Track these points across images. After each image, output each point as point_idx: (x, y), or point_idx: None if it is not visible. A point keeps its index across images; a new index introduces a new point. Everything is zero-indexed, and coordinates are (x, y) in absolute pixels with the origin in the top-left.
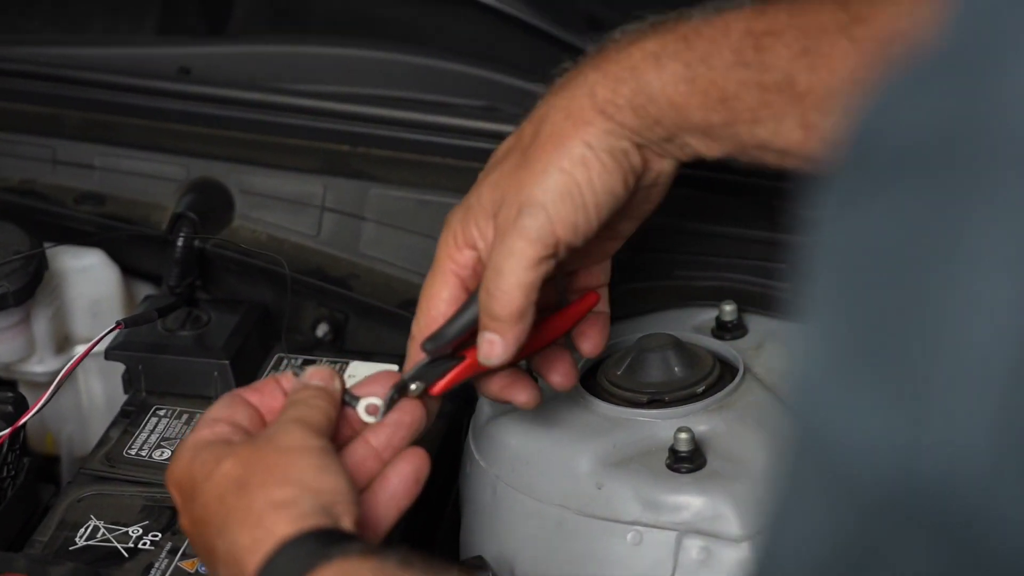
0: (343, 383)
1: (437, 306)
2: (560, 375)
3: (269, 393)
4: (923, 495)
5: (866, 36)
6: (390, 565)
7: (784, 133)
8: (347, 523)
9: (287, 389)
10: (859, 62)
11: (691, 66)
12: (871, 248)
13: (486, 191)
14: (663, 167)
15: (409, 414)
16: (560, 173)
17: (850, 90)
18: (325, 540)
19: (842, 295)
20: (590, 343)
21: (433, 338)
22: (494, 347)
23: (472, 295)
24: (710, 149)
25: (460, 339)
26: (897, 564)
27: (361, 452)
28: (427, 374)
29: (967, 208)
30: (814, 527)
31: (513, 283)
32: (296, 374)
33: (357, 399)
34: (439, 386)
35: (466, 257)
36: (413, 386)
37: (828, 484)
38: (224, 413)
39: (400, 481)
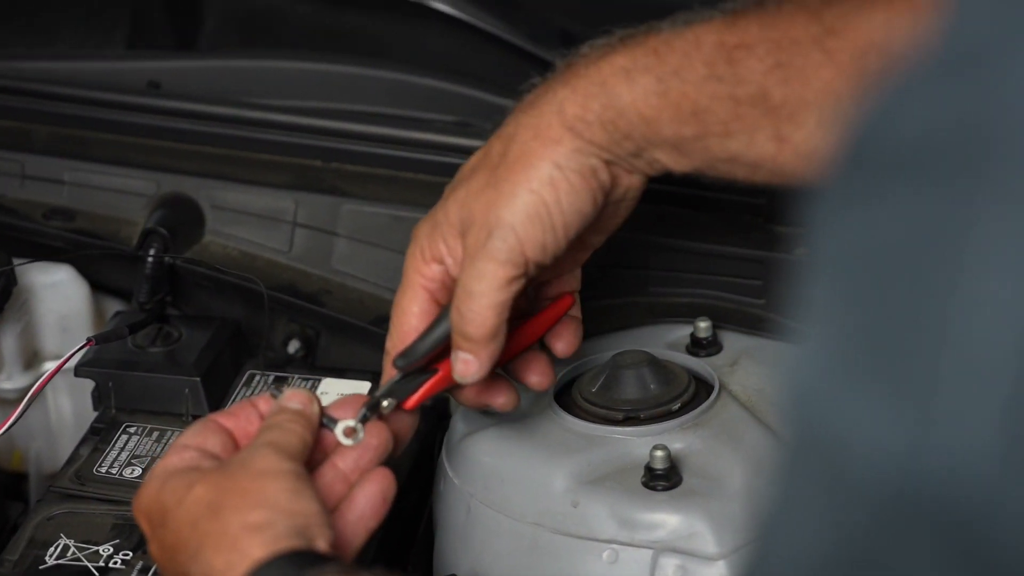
0: (321, 406)
1: (409, 320)
2: (537, 375)
3: (244, 417)
4: (928, 496)
5: (840, 48)
6: None
7: (757, 146)
8: (322, 545)
9: (264, 412)
10: (833, 74)
11: (663, 79)
12: (874, 250)
13: (453, 208)
14: (632, 182)
15: (376, 436)
16: (529, 194)
17: (826, 102)
18: (300, 561)
19: (844, 296)
20: (563, 343)
21: (405, 354)
22: (469, 366)
23: (443, 310)
24: (679, 163)
25: (432, 353)
26: (902, 564)
27: (329, 475)
28: (399, 390)
29: (970, 208)
30: (815, 530)
31: (485, 304)
32: (274, 396)
33: (335, 422)
34: (412, 400)
35: (434, 271)
36: (385, 403)
37: (830, 485)
38: (195, 440)
39: (367, 502)
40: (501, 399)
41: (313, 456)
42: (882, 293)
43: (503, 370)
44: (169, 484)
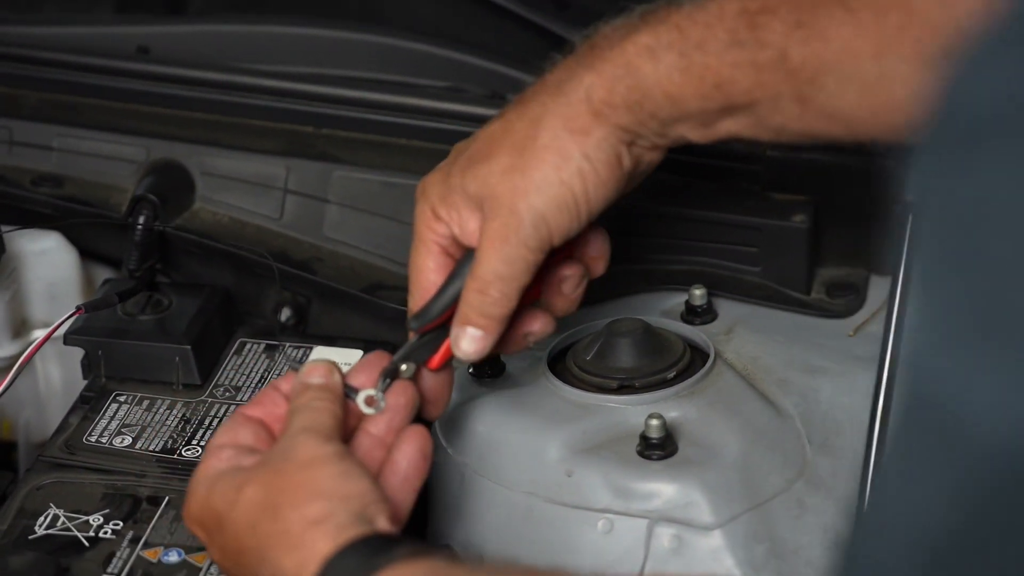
0: (342, 375)
1: (428, 277)
2: (539, 323)
3: (270, 402)
4: None
5: (864, 5)
6: (440, 566)
7: (781, 110)
8: (382, 523)
9: (287, 392)
10: (854, 33)
11: (686, 54)
12: (981, 212)
13: (471, 181)
14: (652, 157)
15: (403, 395)
16: (560, 186)
17: (847, 61)
18: (370, 550)
19: (953, 262)
20: (563, 301)
21: (418, 316)
22: (479, 342)
23: (455, 267)
24: (704, 136)
25: (448, 312)
26: None
27: (366, 444)
28: (419, 353)
29: None
30: (934, 497)
31: (514, 287)
32: (295, 369)
33: (356, 391)
34: (435, 360)
35: (444, 229)
36: (404, 367)
37: (949, 453)
38: (227, 438)
39: (408, 463)
40: (538, 324)
41: (346, 426)
42: (994, 256)
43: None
44: (217, 488)
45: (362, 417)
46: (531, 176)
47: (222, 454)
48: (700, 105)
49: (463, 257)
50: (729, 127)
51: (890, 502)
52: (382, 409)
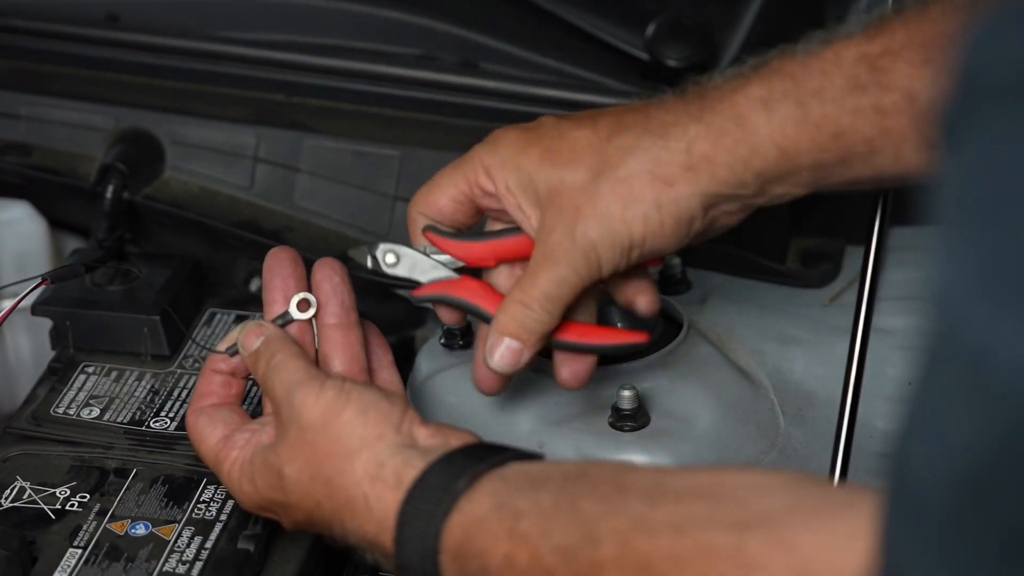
0: (270, 321)
1: (441, 196)
2: (570, 372)
3: (214, 383)
4: None
5: None
6: (500, 491)
7: (904, 158)
8: (419, 431)
9: (231, 368)
10: None
11: (802, 103)
12: (1008, 166)
13: (543, 178)
14: (731, 221)
15: (327, 280)
16: (620, 223)
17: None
18: (435, 488)
19: (984, 211)
20: (646, 300)
21: (435, 228)
22: (516, 356)
23: (510, 229)
24: (808, 189)
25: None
26: None
27: (342, 357)
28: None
29: None
30: (961, 436)
31: (559, 307)
32: (228, 352)
33: (287, 314)
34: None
35: (486, 190)
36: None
37: (974, 394)
38: (218, 432)
39: (376, 342)
40: (645, 298)
41: (311, 348)
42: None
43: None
44: (259, 479)
45: (308, 337)
46: (597, 205)
47: (229, 445)
48: (815, 158)
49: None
50: (842, 179)
51: (919, 435)
52: (314, 310)
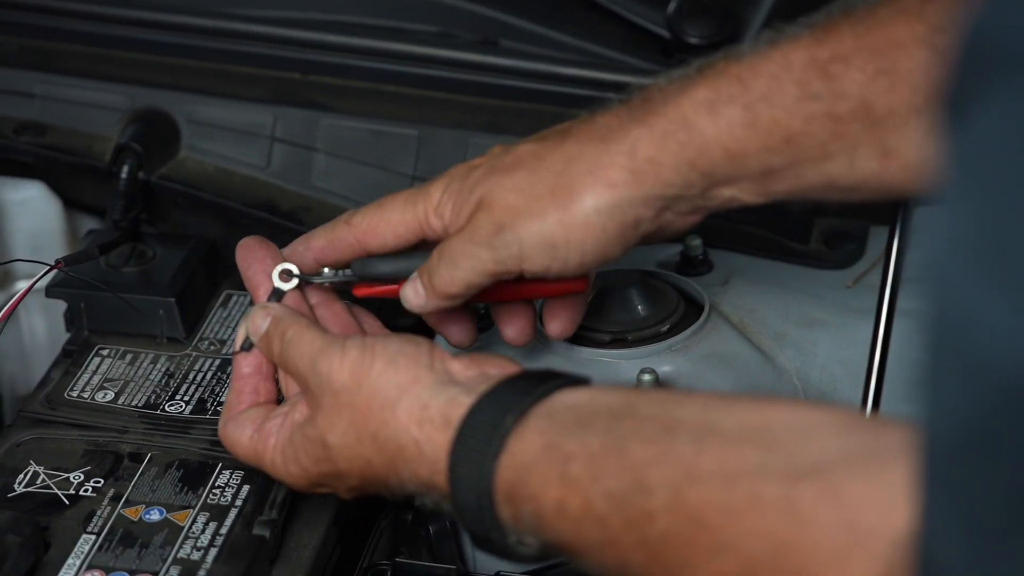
0: (270, 301)
1: (388, 224)
2: (515, 330)
3: (243, 393)
4: None
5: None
6: (558, 412)
7: (859, 165)
8: (453, 365)
9: (250, 366)
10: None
11: (750, 107)
12: (1006, 143)
13: (481, 186)
14: (686, 223)
15: (306, 252)
16: (555, 226)
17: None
18: (484, 424)
19: (978, 186)
20: (559, 325)
21: (363, 263)
22: (417, 299)
23: (417, 247)
24: (759, 196)
25: (383, 280)
26: None
27: (327, 319)
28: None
29: None
30: (952, 404)
31: (460, 279)
32: (244, 348)
33: (278, 290)
34: (363, 290)
35: (437, 222)
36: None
37: (964, 366)
38: (248, 430)
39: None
40: (457, 336)
41: (316, 315)
42: (1014, 186)
43: (484, 308)
44: (303, 455)
45: (306, 305)
46: (533, 204)
47: (269, 431)
48: (764, 161)
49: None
50: (791, 185)
51: (927, 394)
52: (295, 283)
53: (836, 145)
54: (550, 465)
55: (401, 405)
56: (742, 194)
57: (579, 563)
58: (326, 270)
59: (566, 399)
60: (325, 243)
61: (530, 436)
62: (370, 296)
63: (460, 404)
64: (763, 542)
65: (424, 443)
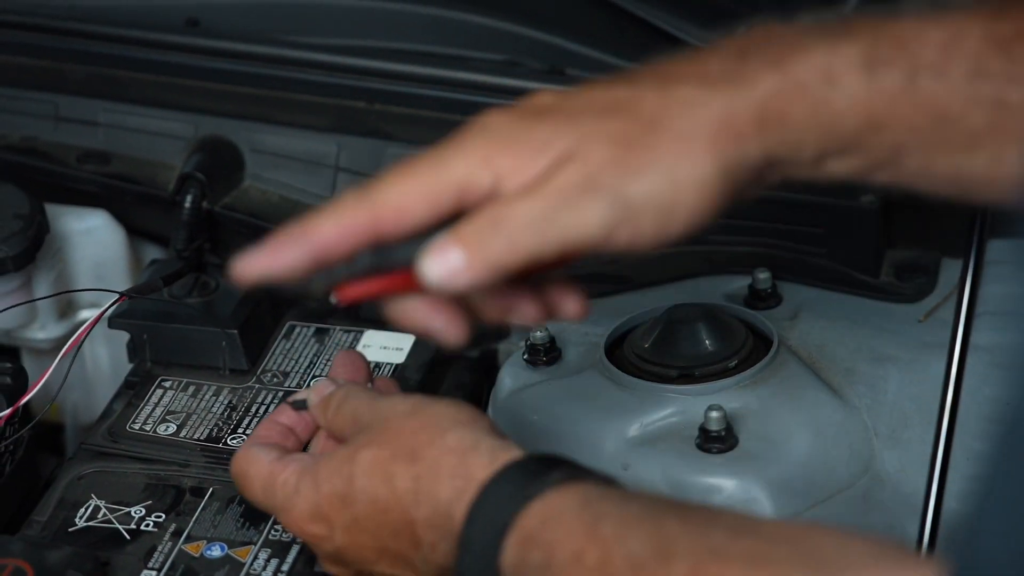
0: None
1: (418, 195)
2: (575, 303)
3: (274, 430)
4: None
5: None
6: (592, 493)
7: (1003, 162)
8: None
9: (288, 420)
10: None
11: (914, 76)
12: None
13: (566, 129)
14: (753, 193)
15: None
16: (667, 184)
17: None
18: (525, 474)
19: None
20: (575, 304)
21: (379, 251)
22: (452, 271)
23: (444, 224)
24: (864, 175)
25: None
26: None
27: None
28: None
29: None
30: None
31: (525, 246)
32: (297, 407)
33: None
34: (352, 291)
35: (486, 178)
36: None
37: None
38: (273, 454)
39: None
40: (452, 331)
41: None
42: None
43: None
44: (322, 474)
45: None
46: (640, 157)
47: (292, 458)
48: (901, 139)
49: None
50: (912, 171)
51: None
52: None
53: (991, 136)
54: (580, 519)
55: (453, 433)
56: (850, 171)
57: None
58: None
59: (618, 486)
60: (337, 232)
61: (569, 493)
62: (359, 299)
63: (511, 451)
64: None
65: (461, 468)
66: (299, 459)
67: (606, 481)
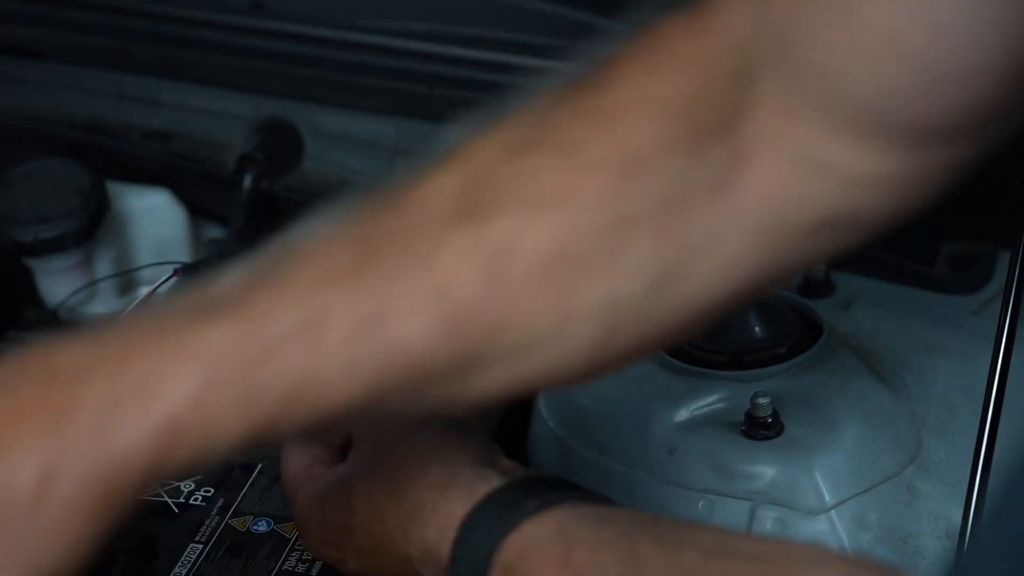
0: None
1: None
2: None
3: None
4: None
5: None
6: (569, 520)
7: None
8: (501, 459)
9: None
10: None
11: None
12: None
13: None
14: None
15: None
16: None
17: None
18: (502, 506)
19: None
20: None
21: None
22: None
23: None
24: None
25: None
26: None
27: None
28: None
29: None
30: None
31: None
32: None
33: None
34: None
35: None
36: None
37: None
38: (300, 462)
39: None
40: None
41: None
42: None
43: None
44: (328, 503)
45: None
46: None
47: (312, 474)
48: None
49: None
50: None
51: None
52: None
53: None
54: (555, 549)
55: (433, 469)
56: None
57: None
58: None
59: (597, 506)
60: None
61: (548, 521)
62: None
63: (489, 482)
64: None
65: (442, 507)
66: (318, 478)
67: (586, 498)
